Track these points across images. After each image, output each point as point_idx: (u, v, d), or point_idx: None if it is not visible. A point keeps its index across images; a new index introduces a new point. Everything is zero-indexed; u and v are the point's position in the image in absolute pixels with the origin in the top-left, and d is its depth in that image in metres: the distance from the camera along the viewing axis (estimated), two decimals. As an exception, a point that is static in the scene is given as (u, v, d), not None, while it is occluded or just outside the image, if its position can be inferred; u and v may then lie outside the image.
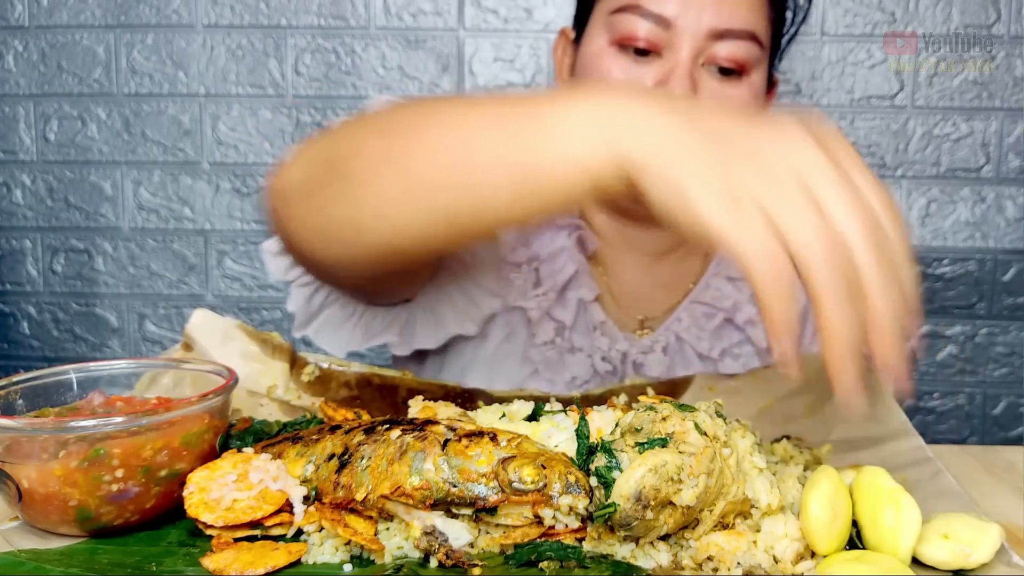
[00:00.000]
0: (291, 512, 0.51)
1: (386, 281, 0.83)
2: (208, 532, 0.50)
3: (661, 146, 0.50)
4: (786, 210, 0.47)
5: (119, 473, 0.50)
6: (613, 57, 0.89)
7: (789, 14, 0.96)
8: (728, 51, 0.86)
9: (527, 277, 0.95)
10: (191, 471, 0.52)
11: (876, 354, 0.46)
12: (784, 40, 0.97)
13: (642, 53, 0.88)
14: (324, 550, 0.49)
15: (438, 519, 0.48)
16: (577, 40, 0.95)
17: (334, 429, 0.55)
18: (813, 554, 0.49)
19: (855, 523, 0.50)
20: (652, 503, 0.45)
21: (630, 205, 0.83)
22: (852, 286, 0.46)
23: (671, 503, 0.46)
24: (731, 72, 0.88)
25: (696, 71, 0.87)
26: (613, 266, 1.00)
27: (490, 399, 0.74)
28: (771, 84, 0.97)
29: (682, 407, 0.49)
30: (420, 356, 0.97)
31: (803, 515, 0.48)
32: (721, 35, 0.86)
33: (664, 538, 0.49)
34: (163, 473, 0.52)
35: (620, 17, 0.88)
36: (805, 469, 0.60)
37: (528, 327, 0.94)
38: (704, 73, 0.87)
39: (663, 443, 0.47)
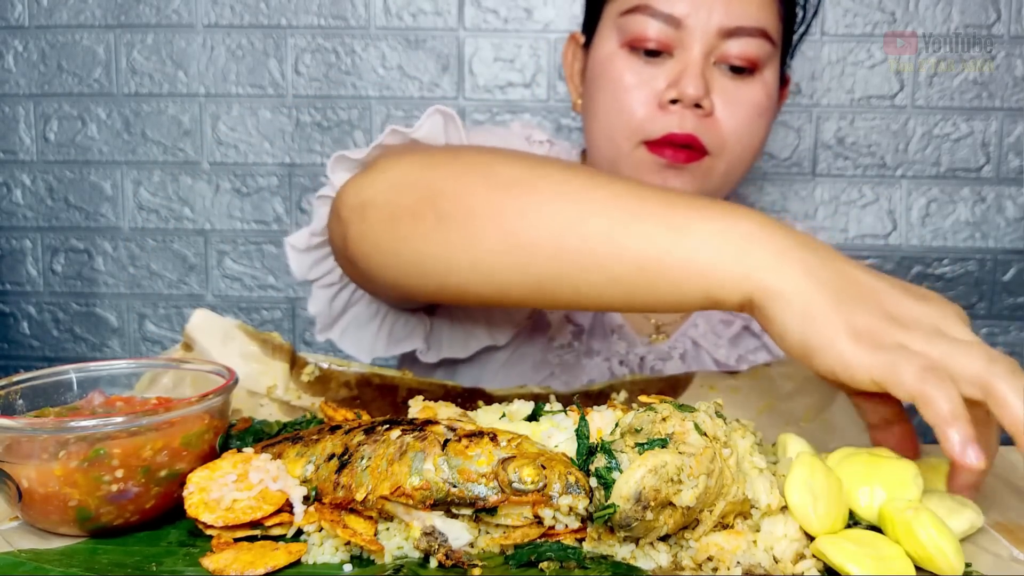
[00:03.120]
0: (291, 512, 0.51)
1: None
2: (208, 532, 0.50)
3: (801, 281, 0.51)
4: (937, 351, 0.48)
5: (119, 473, 0.50)
6: (624, 59, 0.88)
7: (800, 11, 0.95)
8: (740, 49, 0.86)
9: None
10: (191, 471, 0.52)
11: None
12: (795, 37, 0.96)
13: (653, 54, 0.87)
14: (324, 550, 0.49)
15: (438, 519, 0.48)
16: (587, 45, 0.95)
17: (334, 429, 0.55)
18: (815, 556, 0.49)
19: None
20: (652, 504, 0.45)
21: None
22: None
23: (671, 504, 0.46)
24: (743, 70, 0.87)
25: (708, 70, 0.86)
26: None
27: (490, 399, 0.74)
28: (783, 82, 0.97)
29: (682, 407, 0.49)
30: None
31: (788, 506, 0.49)
32: (732, 33, 0.85)
33: (664, 539, 0.49)
34: (163, 473, 0.52)
35: (630, 18, 0.87)
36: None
37: (546, 330, 0.94)
38: (716, 72, 0.87)
39: (663, 443, 0.47)
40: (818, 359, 0.50)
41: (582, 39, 0.98)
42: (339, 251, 0.74)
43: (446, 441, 0.49)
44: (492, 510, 0.48)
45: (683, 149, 0.87)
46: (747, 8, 0.86)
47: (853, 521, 0.51)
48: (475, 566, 0.47)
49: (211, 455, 0.54)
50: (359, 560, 0.49)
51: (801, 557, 0.48)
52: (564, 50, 1.02)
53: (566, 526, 0.48)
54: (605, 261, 0.56)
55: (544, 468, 0.47)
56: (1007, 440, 0.51)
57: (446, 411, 0.56)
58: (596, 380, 0.92)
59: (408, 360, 0.97)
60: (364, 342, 0.86)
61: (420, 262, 0.65)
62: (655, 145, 0.88)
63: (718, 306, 0.54)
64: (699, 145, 0.87)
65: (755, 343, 0.97)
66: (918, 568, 0.47)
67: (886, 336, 0.49)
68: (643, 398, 0.52)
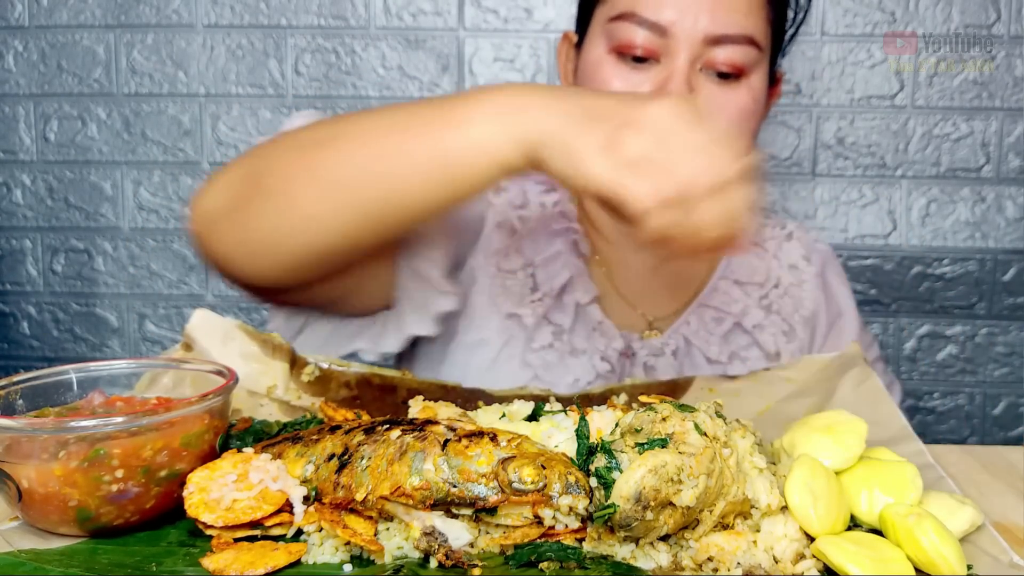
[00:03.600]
0: (291, 512, 0.51)
1: (326, 291, 0.81)
2: (208, 532, 0.50)
3: (554, 124, 0.59)
4: (660, 154, 0.57)
5: (119, 473, 0.50)
6: (612, 65, 0.90)
7: (790, 12, 0.96)
8: (725, 56, 0.87)
9: (524, 283, 0.95)
10: (191, 471, 0.52)
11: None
12: (786, 37, 0.97)
13: (640, 60, 0.88)
14: (324, 550, 0.49)
15: (438, 519, 0.48)
16: (579, 45, 0.96)
17: (334, 429, 0.55)
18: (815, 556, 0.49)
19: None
20: (652, 504, 0.45)
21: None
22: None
23: (671, 504, 0.46)
24: (729, 76, 0.88)
25: (694, 76, 0.88)
26: (619, 267, 1.01)
27: (490, 399, 0.74)
28: (775, 80, 0.97)
29: (682, 407, 0.49)
30: (411, 360, 0.96)
31: (789, 507, 0.49)
32: (718, 40, 0.86)
33: (664, 539, 0.49)
34: (163, 473, 0.52)
35: (617, 25, 0.88)
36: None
37: (525, 332, 0.94)
38: (702, 78, 0.88)
39: (663, 444, 0.47)
40: (572, 180, 0.58)
41: (575, 38, 0.98)
42: (210, 265, 0.77)
43: (446, 441, 0.49)
44: (492, 510, 0.48)
45: None
46: (733, 16, 0.87)
47: (854, 524, 0.51)
48: (475, 566, 0.47)
49: (211, 455, 0.54)
50: (359, 560, 0.49)
51: (801, 557, 0.48)
52: (558, 49, 1.03)
53: (566, 526, 0.48)
54: (407, 172, 0.64)
55: (544, 468, 0.47)
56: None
57: (446, 411, 0.56)
58: (581, 379, 0.92)
59: (401, 364, 0.97)
60: (324, 351, 0.86)
61: (264, 239, 0.69)
62: None
63: (514, 172, 0.62)
64: None
65: (746, 340, 0.98)
66: (918, 571, 0.47)
67: (619, 141, 0.57)
68: (643, 398, 0.52)
